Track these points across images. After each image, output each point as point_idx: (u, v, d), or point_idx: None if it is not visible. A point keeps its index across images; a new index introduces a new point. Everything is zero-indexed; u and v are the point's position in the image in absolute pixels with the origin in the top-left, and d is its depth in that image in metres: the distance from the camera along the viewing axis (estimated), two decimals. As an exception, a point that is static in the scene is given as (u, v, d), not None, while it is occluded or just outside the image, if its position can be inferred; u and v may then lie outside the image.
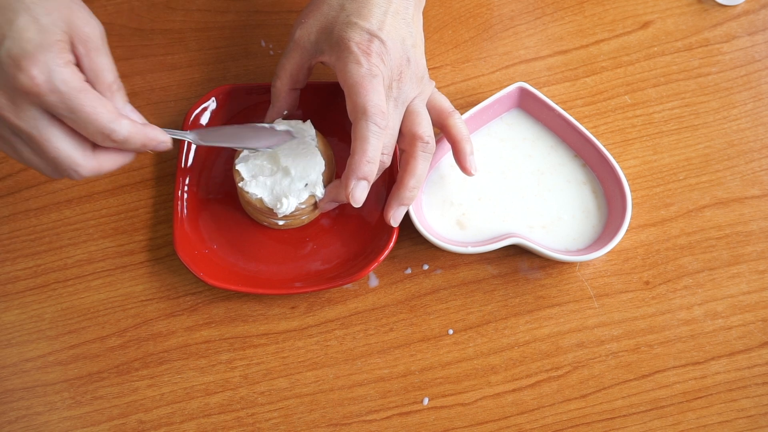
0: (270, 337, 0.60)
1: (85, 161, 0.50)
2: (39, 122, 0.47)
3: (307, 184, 0.58)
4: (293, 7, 0.71)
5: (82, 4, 0.50)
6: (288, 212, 0.58)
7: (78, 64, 0.49)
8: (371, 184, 0.55)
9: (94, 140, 0.49)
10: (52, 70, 0.46)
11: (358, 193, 0.55)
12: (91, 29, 0.49)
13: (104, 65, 0.50)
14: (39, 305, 0.61)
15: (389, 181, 0.62)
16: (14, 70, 0.45)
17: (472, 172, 0.59)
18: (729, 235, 0.62)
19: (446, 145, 0.62)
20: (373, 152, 0.54)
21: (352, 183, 0.54)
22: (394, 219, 0.58)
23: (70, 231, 0.63)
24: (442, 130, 0.60)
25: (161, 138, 0.52)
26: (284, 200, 0.58)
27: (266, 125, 0.59)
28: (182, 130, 0.61)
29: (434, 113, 0.59)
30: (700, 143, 0.65)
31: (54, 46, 0.46)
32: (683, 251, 0.61)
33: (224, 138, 0.58)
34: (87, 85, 0.48)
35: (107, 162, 0.51)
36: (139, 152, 0.53)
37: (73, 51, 0.49)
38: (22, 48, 0.45)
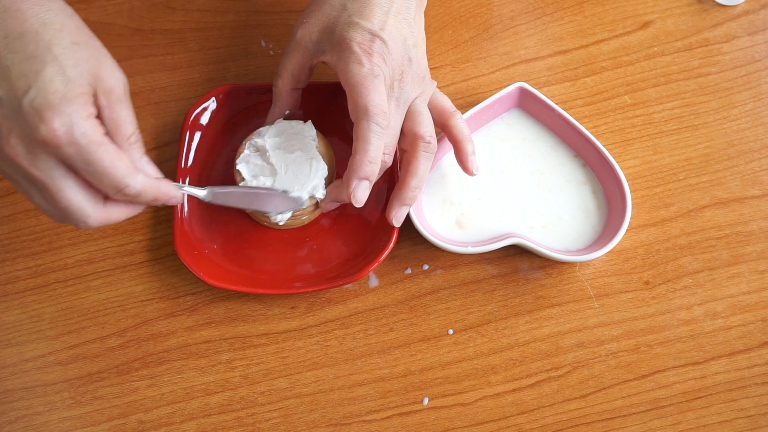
0: (270, 337, 0.60)
1: (95, 213, 0.50)
2: (54, 172, 0.47)
3: (308, 191, 0.58)
4: (293, 7, 0.71)
5: (108, 54, 0.50)
6: (283, 221, 0.58)
7: (99, 115, 0.49)
8: (373, 183, 0.55)
9: (107, 193, 0.49)
10: (73, 123, 0.46)
11: (360, 193, 0.55)
12: (116, 81, 0.49)
13: (125, 117, 0.50)
14: (39, 305, 0.61)
15: (390, 181, 0.62)
16: (36, 121, 0.45)
17: (474, 172, 0.59)
18: (729, 235, 0.62)
19: (446, 145, 0.62)
20: (375, 152, 0.54)
21: (354, 183, 0.54)
22: (396, 219, 0.58)
23: (71, 231, 0.63)
24: (443, 130, 0.60)
25: (173, 194, 0.52)
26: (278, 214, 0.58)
27: (279, 189, 0.58)
28: (183, 133, 0.62)
29: (436, 113, 0.59)
30: (700, 143, 0.65)
31: (78, 99, 0.47)
32: (683, 251, 0.61)
33: (237, 199, 0.57)
34: (106, 139, 0.48)
35: (116, 213, 0.51)
36: (150, 205, 0.53)
37: (96, 102, 0.49)
38: (46, 99, 0.46)
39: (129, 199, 0.50)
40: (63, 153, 0.46)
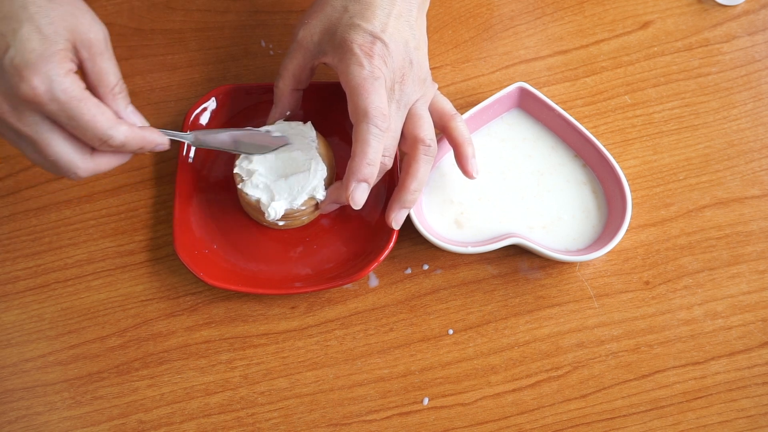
0: (270, 337, 0.60)
1: (83, 164, 0.52)
2: (40, 127, 0.49)
3: (307, 192, 0.58)
4: (293, 7, 0.71)
5: (86, 8, 0.51)
6: (277, 218, 0.58)
7: (81, 69, 0.51)
8: (371, 186, 0.55)
9: (92, 145, 0.51)
10: (52, 80, 0.48)
11: (358, 195, 0.55)
12: (95, 34, 0.51)
13: (107, 69, 0.52)
14: (39, 305, 0.61)
15: (390, 182, 0.62)
16: (17, 80, 0.47)
17: (474, 175, 0.59)
18: (729, 235, 0.62)
19: (447, 145, 0.62)
20: (374, 155, 0.54)
21: (352, 185, 0.54)
22: (396, 222, 0.58)
23: (70, 231, 0.63)
24: (443, 132, 0.60)
25: (158, 140, 0.54)
26: (271, 208, 0.58)
27: (262, 130, 0.59)
28: (181, 131, 0.62)
29: (436, 115, 0.59)
30: (700, 143, 0.65)
31: (55, 56, 0.48)
32: (683, 251, 0.61)
33: (221, 142, 0.59)
34: (87, 93, 0.49)
35: (105, 163, 0.53)
36: (138, 153, 0.54)
37: (77, 56, 0.50)
38: (24, 58, 0.47)
39: (114, 149, 0.52)
40: (46, 110, 0.48)
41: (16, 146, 0.52)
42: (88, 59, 0.50)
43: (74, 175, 0.52)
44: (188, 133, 0.58)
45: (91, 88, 0.51)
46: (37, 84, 0.47)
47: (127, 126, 0.51)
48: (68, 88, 0.48)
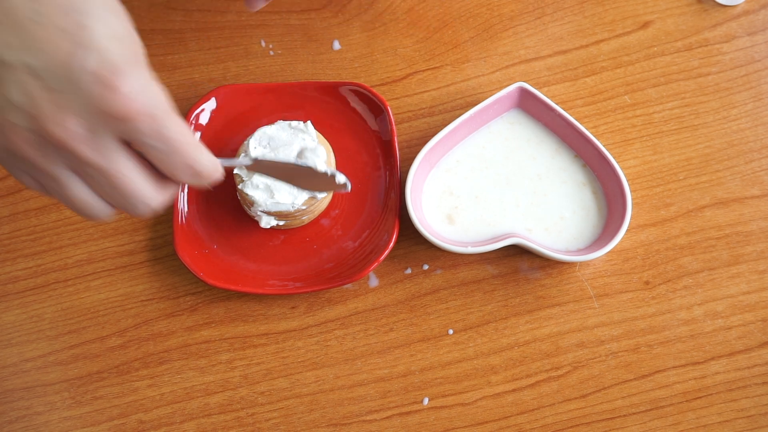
0: (270, 337, 0.60)
1: (159, 195, 0.41)
2: (116, 153, 0.38)
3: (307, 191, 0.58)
4: (293, 8, 0.71)
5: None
6: (269, 226, 0.58)
7: None
8: None
9: (171, 171, 0.40)
10: (146, 89, 0.37)
11: None
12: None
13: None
14: (39, 305, 0.61)
15: (390, 182, 0.62)
16: (101, 90, 0.36)
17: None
18: (729, 235, 0.62)
19: (447, 145, 0.62)
20: None
21: None
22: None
23: (71, 231, 0.63)
24: None
25: (220, 169, 0.43)
26: (264, 222, 0.58)
27: (322, 170, 0.50)
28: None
29: None
30: (700, 143, 0.65)
31: (141, 58, 0.38)
32: (683, 251, 0.61)
33: (278, 171, 0.50)
34: (171, 107, 0.39)
35: (171, 193, 0.43)
36: (196, 185, 0.43)
37: None
38: (107, 61, 0.36)
39: (192, 176, 0.41)
40: (131, 126, 0.37)
41: (50, 186, 0.39)
42: None
43: (145, 208, 0.41)
44: (244, 156, 0.53)
45: None
46: (128, 93, 0.36)
47: (208, 151, 0.41)
48: (161, 97, 0.38)
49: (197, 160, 0.40)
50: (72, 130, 0.36)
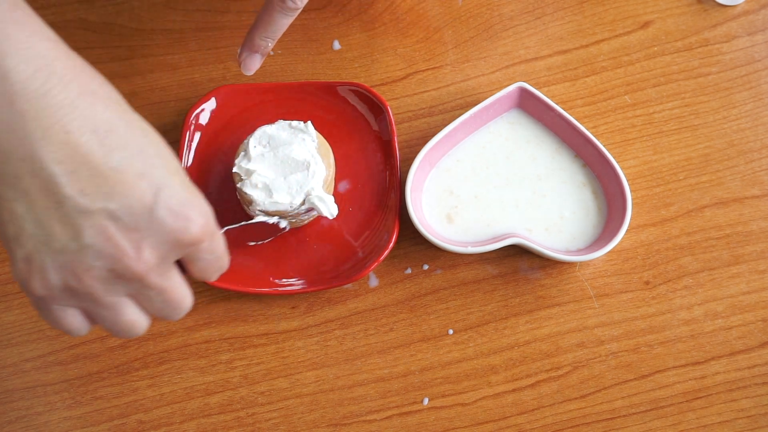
0: (270, 337, 0.60)
1: (191, 295, 0.44)
2: (173, 272, 0.41)
3: (306, 191, 0.58)
4: (293, 7, 0.71)
5: None
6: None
7: None
8: (264, 57, 0.58)
9: (206, 273, 0.43)
10: (204, 209, 0.40)
11: (250, 63, 0.58)
12: None
13: None
14: (39, 305, 0.61)
15: (390, 183, 0.62)
16: (180, 223, 0.39)
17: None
18: (729, 235, 0.62)
19: (447, 144, 0.62)
20: (273, 32, 0.56)
21: (245, 54, 0.58)
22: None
23: (70, 231, 0.63)
24: None
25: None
26: (261, 216, 0.58)
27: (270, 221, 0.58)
28: (187, 143, 0.60)
29: None
30: (700, 143, 0.65)
31: (186, 175, 0.41)
32: (683, 251, 0.61)
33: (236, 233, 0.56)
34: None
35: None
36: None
37: None
38: (180, 196, 0.39)
39: (218, 272, 0.44)
40: (198, 247, 0.40)
41: (109, 315, 0.41)
42: None
43: (186, 311, 0.43)
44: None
45: None
46: (199, 220, 0.39)
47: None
48: (210, 210, 0.41)
49: (227, 260, 0.44)
50: (148, 262, 0.39)
